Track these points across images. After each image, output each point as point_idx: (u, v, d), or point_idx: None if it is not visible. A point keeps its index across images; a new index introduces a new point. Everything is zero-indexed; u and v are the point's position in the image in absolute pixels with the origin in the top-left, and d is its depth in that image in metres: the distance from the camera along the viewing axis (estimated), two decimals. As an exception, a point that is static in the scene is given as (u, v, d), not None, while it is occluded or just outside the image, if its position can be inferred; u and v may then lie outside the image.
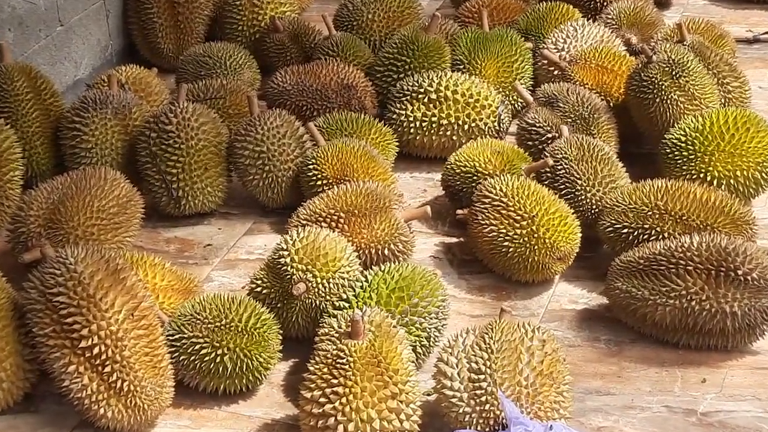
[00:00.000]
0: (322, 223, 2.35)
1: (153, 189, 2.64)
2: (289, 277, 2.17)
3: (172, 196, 2.63)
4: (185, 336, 2.09)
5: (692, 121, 2.59)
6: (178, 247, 2.62)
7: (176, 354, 2.08)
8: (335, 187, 2.48)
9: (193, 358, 2.08)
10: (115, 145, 2.67)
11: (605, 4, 3.30)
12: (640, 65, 2.74)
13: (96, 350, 1.94)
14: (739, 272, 2.13)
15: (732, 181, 2.52)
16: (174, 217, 2.68)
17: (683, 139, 2.57)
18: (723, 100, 2.78)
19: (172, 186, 2.61)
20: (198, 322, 2.09)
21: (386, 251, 2.36)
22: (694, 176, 2.52)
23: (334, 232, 2.30)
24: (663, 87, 2.67)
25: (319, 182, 2.56)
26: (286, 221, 2.48)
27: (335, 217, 2.37)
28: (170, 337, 2.09)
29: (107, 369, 1.94)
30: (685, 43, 2.84)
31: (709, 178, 2.51)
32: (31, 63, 2.89)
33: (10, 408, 2.09)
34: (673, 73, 2.67)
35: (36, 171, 2.71)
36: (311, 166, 2.59)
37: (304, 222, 2.38)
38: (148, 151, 2.62)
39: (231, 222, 2.71)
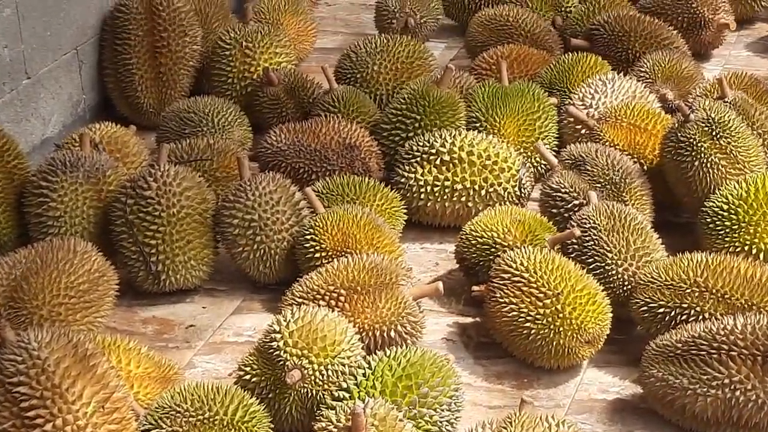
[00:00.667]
0: (320, 302, 2.34)
1: (129, 263, 2.63)
2: (282, 363, 2.15)
3: (151, 271, 2.62)
4: (163, 431, 2.08)
5: (735, 187, 2.59)
6: (157, 328, 2.60)
7: (153, 452, 2.08)
8: (335, 260, 2.47)
9: (173, 457, 2.07)
10: (86, 213, 2.66)
11: (638, 55, 3.32)
12: (676, 124, 2.75)
13: (61, 448, 1.93)
14: (790, 359, 2.13)
15: (784, 255, 2.52)
16: (152, 294, 2.67)
17: (725, 207, 2.56)
18: (770, 163, 2.78)
19: (151, 259, 2.61)
20: (178, 415, 2.07)
21: (392, 333, 2.35)
22: (738, 249, 2.51)
23: (333, 311, 2.28)
24: (702, 149, 2.67)
25: (318, 255, 2.56)
26: (279, 299, 2.47)
27: (335, 295, 2.36)
28: (146, 432, 2.09)
29: (74, 469, 1.93)
30: (726, 99, 2.85)
31: (755, 251, 2.51)
32: (-6, 121, 2.91)
33: None
34: (714, 133, 2.68)
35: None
36: (309, 237, 2.59)
37: (300, 300, 2.37)
38: (124, 219, 2.62)
39: (217, 300, 2.70)
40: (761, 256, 2.50)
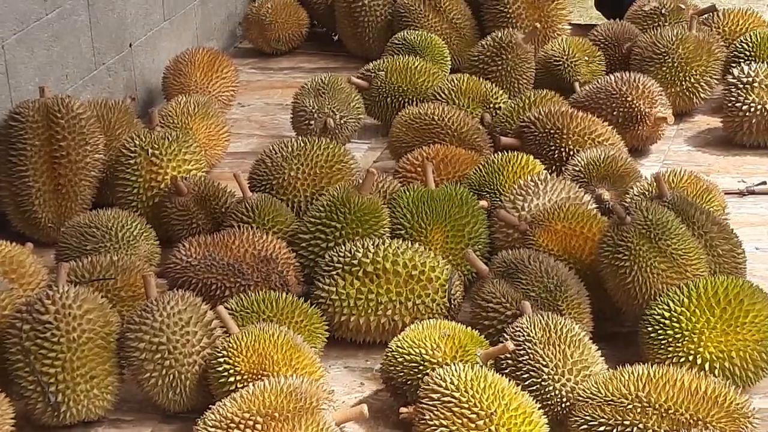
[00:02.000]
0: (236, 431, 2.34)
1: (26, 394, 2.59)
2: (193, 500, 2.15)
3: (50, 402, 2.58)
4: None
5: (677, 293, 2.62)
6: (58, 466, 2.58)
7: None
8: (251, 384, 2.45)
9: None
10: (-22, 341, 2.65)
11: (571, 154, 3.35)
12: (613, 227, 2.77)
13: None
14: (739, 477, 2.16)
15: (727, 364, 2.54)
16: (52, 428, 2.64)
17: (667, 315, 2.59)
18: (712, 267, 2.81)
19: (50, 389, 2.57)
20: None
21: (314, 463, 2.35)
22: (682, 360, 2.54)
23: (250, 441, 2.29)
24: (640, 252, 2.71)
25: (232, 379, 2.54)
26: (191, 429, 2.44)
27: (251, 423, 2.34)
28: None
29: None
30: (665, 199, 2.89)
31: (699, 362, 2.53)
32: None
33: None
34: (652, 235, 2.71)
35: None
36: (222, 360, 2.57)
37: (214, 430, 2.35)
38: (20, 347, 2.59)
39: (124, 431, 2.67)
40: (706, 366, 2.52)
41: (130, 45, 3.94)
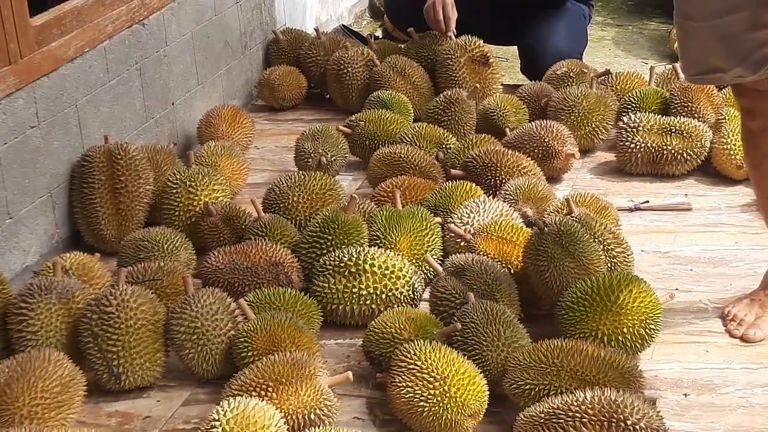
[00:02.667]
0: (252, 393, 2.33)
1: (95, 367, 2.60)
2: (220, 445, 2.15)
3: (113, 373, 2.59)
4: (124, 507, 2.05)
5: (582, 285, 2.63)
6: (119, 420, 2.56)
7: None
8: (264, 358, 2.46)
9: None
10: (59, 327, 2.63)
11: (503, 181, 3.35)
12: (534, 236, 2.79)
13: None
14: (629, 422, 2.15)
15: (620, 338, 2.55)
16: (115, 392, 2.63)
17: (575, 301, 2.60)
18: (608, 265, 2.82)
19: (113, 363, 2.58)
20: (136, 492, 2.06)
21: (312, 416, 2.34)
22: (587, 335, 2.55)
23: (263, 400, 2.28)
24: (555, 255, 2.72)
25: (250, 353, 2.54)
26: (219, 392, 2.45)
27: (264, 386, 2.35)
28: None
29: None
30: (572, 215, 2.91)
31: (599, 336, 2.54)
32: (-18, 254, 2.88)
33: None
34: (563, 242, 2.73)
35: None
36: (242, 340, 2.58)
37: (236, 392, 2.36)
38: (90, 331, 2.59)
39: (169, 394, 2.66)
40: (605, 339, 2.54)
41: (173, 104, 3.94)
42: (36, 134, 3.18)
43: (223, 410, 2.20)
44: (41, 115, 3.19)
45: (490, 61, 4.23)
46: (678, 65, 4.10)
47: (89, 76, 3.43)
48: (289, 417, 2.30)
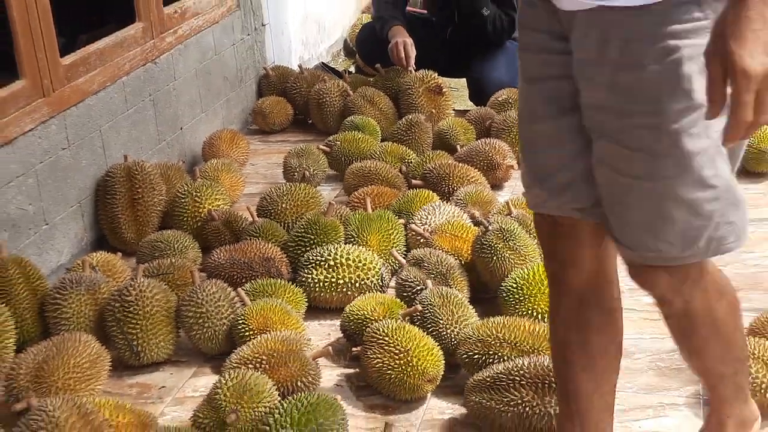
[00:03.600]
0: (249, 365, 2.34)
1: (118, 346, 2.59)
2: (223, 409, 2.15)
3: (133, 351, 2.58)
4: (143, 461, 2.05)
5: (520, 273, 2.65)
6: (138, 390, 2.56)
7: (136, 475, 2.04)
8: (259, 336, 2.47)
9: (149, 477, 2.04)
10: (87, 314, 2.62)
11: (455, 189, 3.36)
12: (480, 233, 2.81)
13: (71, 480, 1.89)
14: (559, 384, 2.18)
15: (552, 315, 2.57)
16: (135, 367, 2.63)
17: (514, 286, 2.62)
18: (541, 256, 2.83)
19: (133, 343, 2.57)
20: (153, 449, 2.06)
21: (299, 383, 2.35)
22: (524, 313, 2.57)
23: (258, 371, 2.29)
24: (497, 248, 2.74)
25: (247, 333, 2.55)
26: (222, 364, 2.45)
27: (259, 360, 2.36)
28: (131, 463, 2.05)
29: (81, 493, 1.89)
30: (512, 215, 2.93)
31: (535, 314, 2.56)
32: (23, 255, 2.86)
33: None
34: (505, 237, 2.75)
35: (26, 338, 2.63)
36: (240, 322, 2.58)
37: (236, 365, 2.36)
38: (114, 317, 2.59)
39: (180, 368, 2.66)
40: (539, 316, 2.56)
41: (181, 128, 3.93)
42: (67, 155, 3.16)
43: (225, 380, 2.20)
44: (71, 139, 3.18)
45: (444, 90, 4.25)
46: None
47: (111, 106, 3.42)
48: (279, 385, 2.31)
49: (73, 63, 3.22)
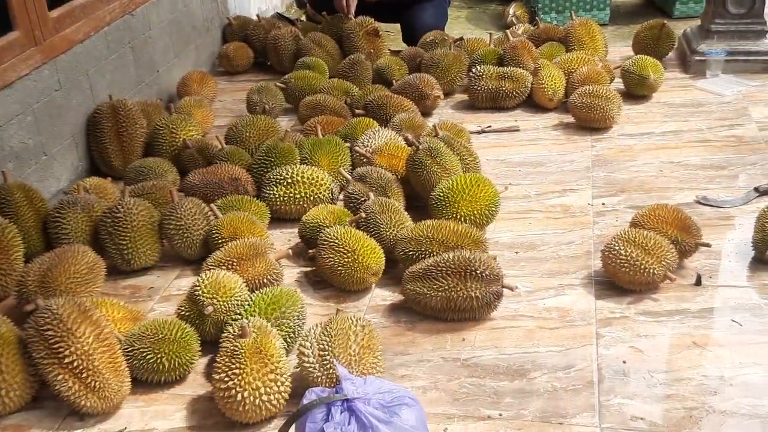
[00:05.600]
0: (223, 267, 2.33)
1: (111, 255, 2.56)
2: (201, 303, 2.15)
3: (125, 258, 2.56)
4: (136, 348, 2.04)
5: (446, 184, 2.65)
6: (131, 290, 2.55)
7: (131, 360, 2.03)
8: (230, 243, 2.46)
9: (142, 361, 2.03)
10: (84, 229, 2.58)
11: (391, 116, 3.33)
12: (413, 152, 2.80)
13: (75, 363, 1.88)
14: (478, 271, 2.21)
15: (472, 217, 2.59)
16: (126, 272, 2.61)
17: (441, 195, 2.62)
18: (463, 169, 2.84)
19: (124, 252, 2.55)
20: (144, 337, 2.05)
21: (265, 280, 2.35)
22: (450, 216, 2.58)
23: (230, 271, 2.28)
24: (427, 164, 2.73)
25: (219, 240, 2.53)
26: (200, 267, 2.44)
27: (231, 262, 2.35)
28: (126, 350, 2.04)
29: (84, 375, 1.89)
30: (439, 136, 2.92)
31: (458, 217, 2.57)
32: (26, 181, 2.79)
33: (22, 407, 2.01)
34: (432, 155, 2.74)
35: (32, 251, 2.58)
36: (214, 231, 2.56)
37: (211, 266, 2.35)
38: (106, 231, 2.55)
39: (165, 271, 2.64)
40: (461, 218, 2.57)
41: (158, 71, 3.82)
42: (59, 95, 3.07)
43: (202, 279, 2.20)
44: (62, 82, 3.08)
45: (380, 33, 4.18)
46: (509, 32, 4.11)
47: (95, 53, 3.30)
48: (248, 282, 2.31)
49: (60, 15, 3.09)
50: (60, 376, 1.89)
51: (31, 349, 1.93)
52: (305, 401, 1.68)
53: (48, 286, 2.25)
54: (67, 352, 1.87)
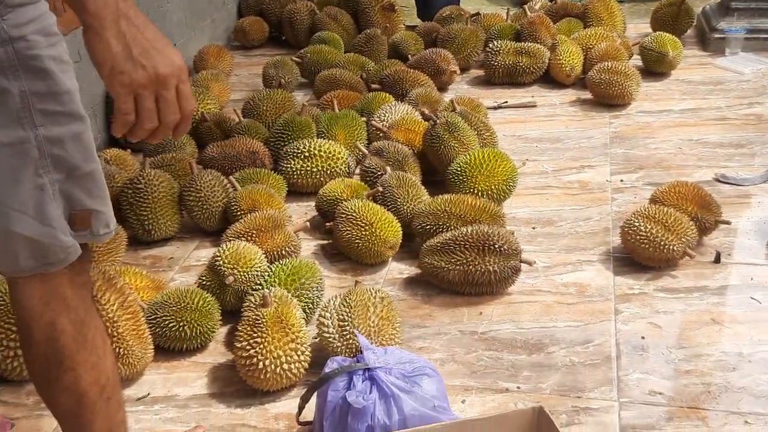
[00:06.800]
0: (243, 238, 2.34)
1: (133, 226, 2.58)
2: (223, 273, 2.17)
3: (145, 229, 2.58)
4: (158, 316, 2.06)
5: (463, 158, 2.64)
6: (152, 261, 2.57)
7: (153, 328, 2.06)
8: (248, 214, 2.47)
9: (164, 329, 2.05)
10: (105, 200, 2.61)
11: (408, 91, 3.33)
12: (430, 126, 2.80)
13: (100, 330, 1.92)
14: (496, 245, 2.21)
15: (490, 192, 2.58)
16: (148, 242, 2.63)
17: (459, 169, 2.62)
18: (481, 144, 2.84)
19: (145, 223, 2.57)
20: (166, 306, 2.07)
21: (283, 252, 2.37)
22: (467, 191, 2.57)
23: (250, 242, 2.30)
24: (444, 139, 2.73)
25: (239, 212, 2.54)
26: (220, 239, 2.46)
27: (250, 234, 2.36)
28: (149, 317, 2.07)
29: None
30: (456, 111, 2.91)
31: (475, 192, 2.57)
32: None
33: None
34: (450, 129, 2.74)
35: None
36: (233, 203, 2.58)
37: (231, 238, 2.37)
38: (127, 201, 2.57)
39: (185, 242, 2.66)
40: (479, 193, 2.56)
41: (174, 44, 3.82)
42: (78, 68, 3.02)
43: (223, 250, 2.22)
44: (81, 54, 3.09)
45: (396, 8, 4.17)
46: (526, 7, 4.08)
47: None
48: (267, 253, 2.32)
49: (78, -13, 3.10)
50: (85, 343, 1.90)
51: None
52: (327, 370, 1.70)
53: (71, 255, 2.27)
54: (91, 320, 1.89)
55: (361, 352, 1.75)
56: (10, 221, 1.16)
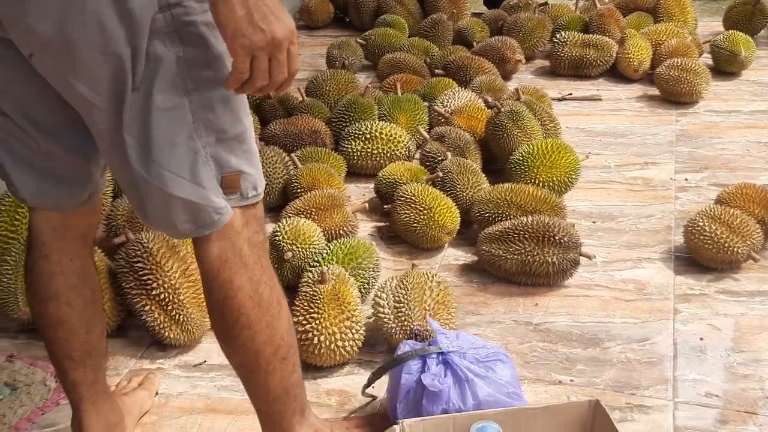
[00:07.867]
0: (302, 216, 2.36)
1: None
2: (281, 248, 2.19)
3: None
4: (217, 286, 2.10)
5: (526, 148, 2.62)
6: (211, 232, 2.60)
7: (212, 297, 2.10)
8: (308, 192, 2.49)
9: (223, 299, 2.09)
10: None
11: (472, 78, 3.31)
12: (493, 114, 2.78)
13: (162, 296, 1.95)
14: (556, 237, 2.20)
15: (551, 183, 2.56)
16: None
17: (521, 159, 2.60)
18: (544, 135, 2.81)
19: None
20: (225, 277, 2.11)
21: (341, 231, 2.38)
22: (528, 181, 2.55)
23: (309, 220, 2.32)
24: (507, 127, 2.71)
25: (299, 190, 2.56)
26: (280, 214, 2.48)
27: (309, 211, 2.38)
28: (208, 287, 2.10)
29: (169, 307, 1.95)
30: (520, 100, 2.89)
31: (537, 182, 2.55)
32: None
33: (108, 335, 2.09)
34: (513, 118, 2.72)
35: (119, 188, 2.65)
36: (293, 180, 2.60)
37: (291, 215, 2.39)
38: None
39: (244, 216, 2.69)
40: (540, 184, 2.54)
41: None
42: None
43: (282, 226, 2.24)
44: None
45: (464, -6, 4.16)
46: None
47: None
48: (325, 231, 2.34)
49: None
50: (147, 307, 1.95)
51: (121, 280, 2.00)
52: (399, 352, 1.70)
53: (136, 221, 2.31)
54: (155, 285, 1.94)
55: (416, 335, 1.75)
56: (168, 184, 1.22)
